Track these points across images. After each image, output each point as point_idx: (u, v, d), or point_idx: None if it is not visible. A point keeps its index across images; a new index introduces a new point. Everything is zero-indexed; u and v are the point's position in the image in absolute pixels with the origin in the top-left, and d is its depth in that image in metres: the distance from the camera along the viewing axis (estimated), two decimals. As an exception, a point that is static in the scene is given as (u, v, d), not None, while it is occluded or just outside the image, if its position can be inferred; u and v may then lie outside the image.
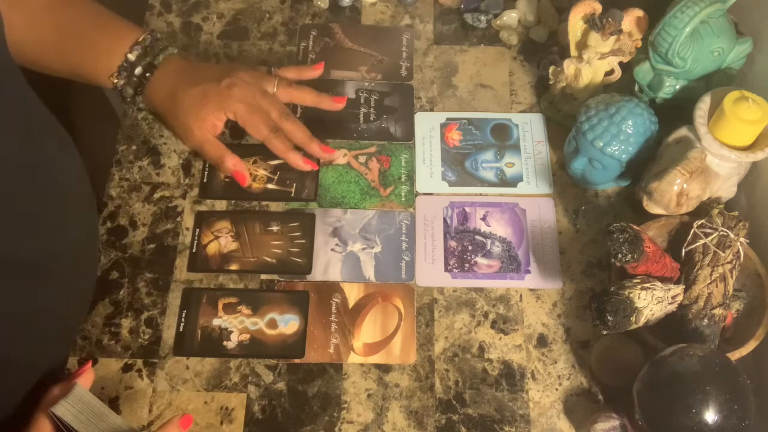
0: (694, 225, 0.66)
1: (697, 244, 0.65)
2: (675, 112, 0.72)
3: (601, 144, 0.69)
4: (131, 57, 0.72)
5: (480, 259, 0.73)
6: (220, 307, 0.70)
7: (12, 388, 0.56)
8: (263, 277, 0.72)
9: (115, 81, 0.72)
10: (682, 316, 0.63)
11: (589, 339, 0.69)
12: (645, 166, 0.71)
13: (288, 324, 0.69)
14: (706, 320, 0.62)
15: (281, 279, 0.72)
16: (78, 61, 0.72)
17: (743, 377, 0.55)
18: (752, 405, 0.54)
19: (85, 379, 0.56)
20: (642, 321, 0.60)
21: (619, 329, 0.59)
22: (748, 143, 0.66)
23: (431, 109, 0.82)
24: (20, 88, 0.55)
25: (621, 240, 0.58)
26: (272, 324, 0.69)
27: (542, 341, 0.69)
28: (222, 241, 0.73)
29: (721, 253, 0.64)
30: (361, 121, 0.81)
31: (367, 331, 0.69)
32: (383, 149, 0.79)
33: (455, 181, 0.77)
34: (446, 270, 0.72)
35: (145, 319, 0.70)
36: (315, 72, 0.78)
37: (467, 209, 0.76)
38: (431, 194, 0.77)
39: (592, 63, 0.75)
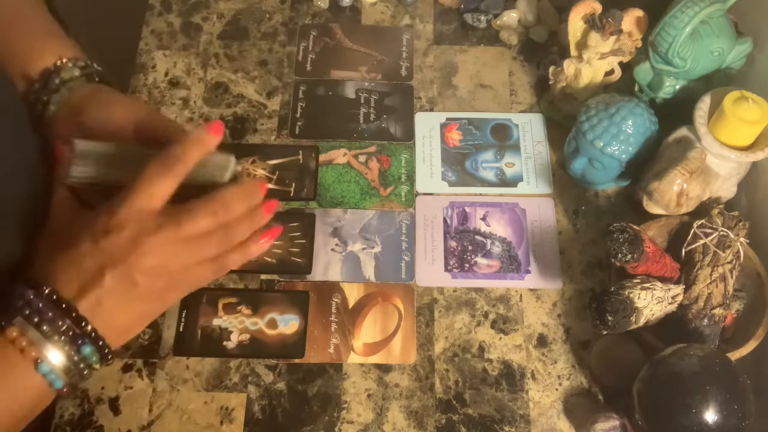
0: (694, 225, 0.66)
1: (697, 244, 0.65)
2: (675, 112, 0.72)
3: (601, 144, 0.69)
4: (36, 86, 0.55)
5: (480, 259, 0.73)
6: (220, 307, 0.70)
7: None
8: (263, 277, 0.72)
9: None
10: (682, 316, 0.63)
11: (589, 339, 0.69)
12: (645, 166, 0.71)
13: (288, 324, 0.69)
14: (706, 320, 0.62)
15: (281, 279, 0.72)
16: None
17: (743, 377, 0.55)
18: (752, 405, 0.54)
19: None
20: (642, 321, 0.60)
21: (619, 329, 0.59)
22: (748, 143, 0.66)
23: (431, 109, 0.82)
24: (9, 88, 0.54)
25: (621, 240, 0.58)
26: (272, 324, 0.69)
27: (542, 341, 0.69)
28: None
29: (721, 253, 0.64)
30: (361, 121, 0.81)
31: (367, 331, 0.69)
32: (383, 149, 0.79)
33: (455, 181, 0.77)
34: (446, 270, 0.72)
35: (145, 319, 0.70)
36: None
37: (467, 209, 0.76)
38: (431, 194, 0.77)
39: (592, 63, 0.75)
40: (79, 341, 0.44)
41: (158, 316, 0.50)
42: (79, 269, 0.44)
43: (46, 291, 0.44)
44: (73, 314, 0.44)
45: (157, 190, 0.45)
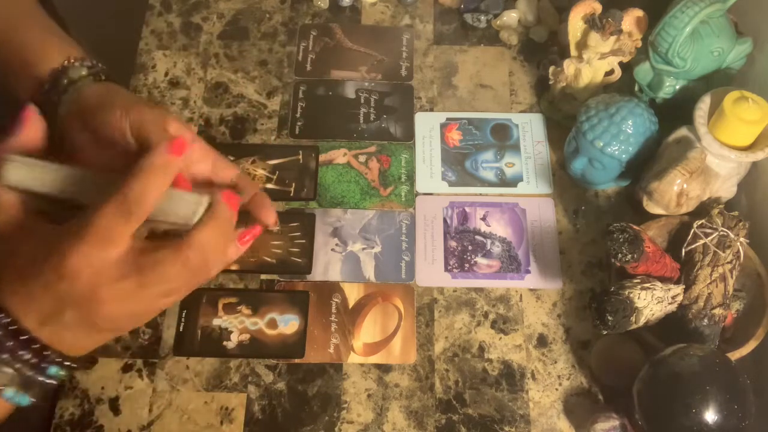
0: (694, 225, 0.66)
1: (697, 244, 0.65)
2: (675, 112, 0.72)
3: (601, 144, 0.69)
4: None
5: (480, 259, 0.73)
6: (220, 307, 0.70)
7: None
8: (263, 277, 0.72)
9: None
10: (682, 316, 0.63)
11: (589, 339, 0.69)
12: (645, 166, 0.71)
13: (288, 324, 0.69)
14: (706, 320, 0.62)
15: (281, 279, 0.72)
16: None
17: (743, 377, 0.55)
18: (752, 405, 0.54)
19: (29, 132, 0.46)
20: (642, 321, 0.60)
21: (619, 329, 0.59)
22: (748, 143, 0.66)
23: (431, 109, 0.82)
24: None
25: (621, 240, 0.58)
26: (272, 324, 0.69)
27: (542, 341, 0.69)
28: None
29: (721, 253, 0.64)
30: (361, 121, 0.81)
31: (367, 331, 0.69)
32: (383, 149, 0.79)
33: (455, 181, 0.77)
34: (446, 270, 0.72)
35: (145, 319, 0.70)
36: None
37: (467, 209, 0.76)
38: (431, 194, 0.77)
39: (592, 63, 0.75)
40: (43, 365, 0.42)
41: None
42: (38, 303, 0.41)
43: (6, 321, 0.41)
44: (34, 345, 0.41)
45: (116, 235, 0.40)
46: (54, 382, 0.43)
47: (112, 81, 0.56)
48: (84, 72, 0.55)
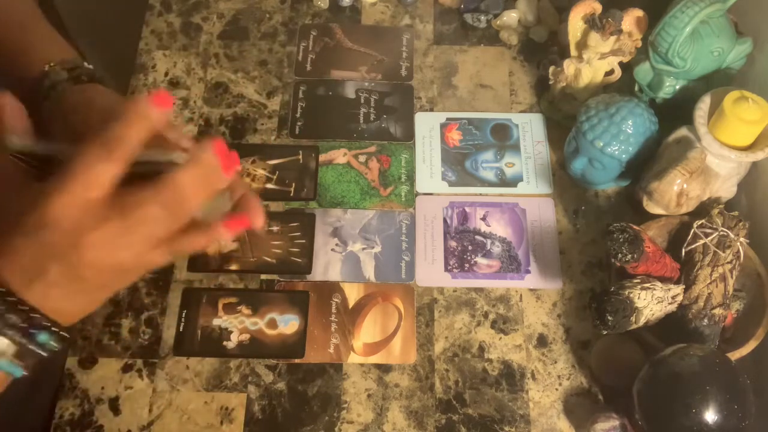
0: (694, 225, 0.66)
1: (697, 244, 0.65)
2: (675, 112, 0.72)
3: (601, 144, 0.69)
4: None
5: (480, 259, 0.73)
6: (220, 307, 0.70)
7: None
8: (263, 277, 0.72)
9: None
10: (682, 316, 0.63)
11: (589, 339, 0.69)
12: (645, 166, 0.71)
13: (288, 324, 0.69)
14: (706, 320, 0.62)
15: (281, 279, 0.72)
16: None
17: (743, 377, 0.55)
18: (752, 405, 0.54)
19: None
20: (642, 321, 0.60)
21: (619, 329, 0.59)
22: (748, 143, 0.66)
23: (431, 109, 0.82)
24: None
25: (621, 240, 0.58)
26: (272, 324, 0.69)
27: (542, 341, 0.69)
28: (222, 241, 0.73)
29: (721, 253, 0.64)
30: (361, 121, 0.81)
31: (367, 331, 0.69)
32: (383, 149, 0.79)
33: (455, 181, 0.77)
34: (446, 270, 0.72)
35: (145, 319, 0.70)
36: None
37: (467, 209, 0.76)
38: (431, 194, 0.77)
39: (592, 63, 0.75)
40: (32, 331, 0.41)
41: (111, 295, 0.46)
42: (21, 262, 0.41)
43: None
44: (20, 308, 0.41)
45: (97, 177, 0.39)
46: (44, 352, 0.42)
47: (97, 81, 0.56)
48: (64, 76, 0.55)
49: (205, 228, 0.44)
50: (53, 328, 0.42)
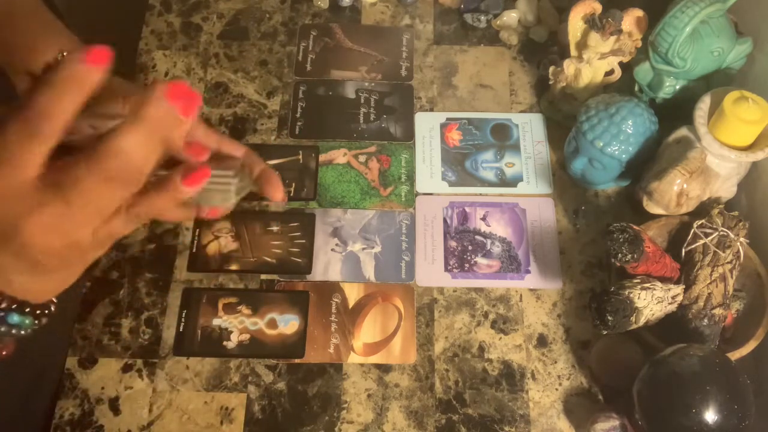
0: (694, 225, 0.66)
1: (697, 244, 0.65)
2: (675, 112, 0.72)
3: (601, 144, 0.69)
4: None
5: (480, 259, 0.73)
6: (220, 307, 0.70)
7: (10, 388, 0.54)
8: (263, 277, 0.72)
9: None
10: (682, 316, 0.63)
11: (589, 339, 0.69)
12: (645, 166, 0.71)
13: (288, 324, 0.69)
14: (706, 320, 0.62)
15: (281, 279, 0.72)
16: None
17: (743, 377, 0.55)
18: (752, 405, 0.54)
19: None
20: (642, 321, 0.60)
21: (619, 329, 0.59)
22: (748, 143, 0.66)
23: (431, 109, 0.82)
24: None
25: (621, 240, 0.58)
26: (272, 324, 0.69)
27: (542, 341, 0.69)
28: (222, 241, 0.73)
29: (721, 253, 0.64)
30: (361, 121, 0.81)
31: (367, 331, 0.69)
32: (383, 149, 0.79)
33: (455, 181, 0.77)
34: (446, 270, 0.72)
35: (145, 319, 0.70)
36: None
37: (467, 209, 0.76)
38: (431, 194, 0.77)
39: (592, 63, 0.75)
40: (1, 314, 0.38)
41: (85, 268, 0.41)
42: None
43: None
44: None
45: (25, 158, 0.34)
46: (22, 331, 0.39)
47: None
48: None
49: (164, 183, 0.38)
50: (25, 309, 0.39)
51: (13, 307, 0.39)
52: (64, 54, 0.54)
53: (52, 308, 0.40)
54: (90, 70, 0.33)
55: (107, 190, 0.35)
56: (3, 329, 0.39)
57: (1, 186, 0.34)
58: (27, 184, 0.34)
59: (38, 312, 0.40)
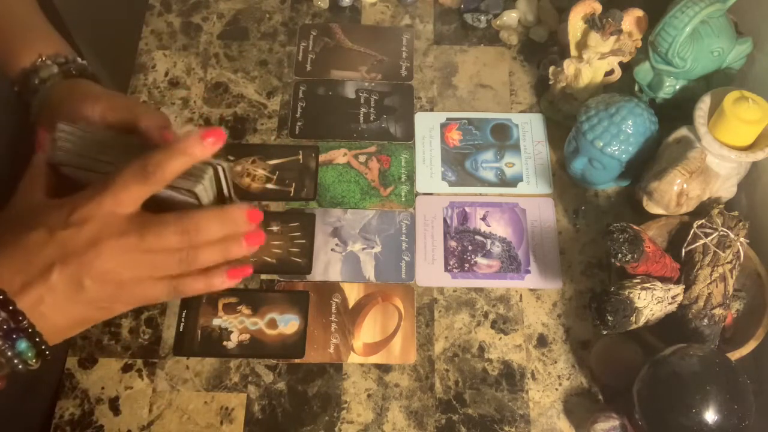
0: (694, 225, 0.66)
1: (697, 244, 0.65)
2: (675, 112, 0.72)
3: (601, 144, 0.69)
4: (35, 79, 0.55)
5: (480, 259, 0.73)
6: (220, 307, 0.70)
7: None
8: (263, 277, 0.72)
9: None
10: (682, 316, 0.63)
11: (589, 339, 0.69)
12: (645, 166, 0.71)
13: (288, 324, 0.69)
14: (706, 320, 0.62)
15: (281, 279, 0.72)
16: None
17: (743, 377, 0.55)
18: (752, 405, 0.54)
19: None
20: (642, 321, 0.60)
21: (619, 329, 0.59)
22: (748, 143, 0.66)
23: (431, 109, 0.82)
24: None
25: (621, 240, 0.58)
26: (272, 324, 0.69)
27: (542, 341, 0.69)
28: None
29: (721, 253, 0.64)
30: (361, 121, 0.81)
31: (367, 331, 0.69)
32: (383, 149, 0.79)
33: (455, 181, 0.77)
34: (446, 270, 0.72)
35: (145, 319, 0.70)
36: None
37: (467, 209, 0.76)
38: (431, 194, 0.77)
39: (592, 63, 0.75)
40: (14, 336, 0.41)
41: (98, 323, 0.46)
42: (27, 261, 0.41)
43: None
44: (10, 308, 0.40)
45: (130, 195, 0.42)
46: (18, 363, 0.41)
47: (88, 76, 0.56)
48: (55, 70, 0.55)
49: (209, 274, 0.45)
50: (36, 339, 0.42)
51: (28, 332, 0.41)
52: (42, 58, 0.55)
53: (47, 356, 0.42)
54: (204, 147, 0.42)
55: (174, 243, 0.43)
56: (9, 353, 0.41)
57: (103, 210, 0.41)
58: (121, 216, 0.42)
59: (42, 348, 0.42)
